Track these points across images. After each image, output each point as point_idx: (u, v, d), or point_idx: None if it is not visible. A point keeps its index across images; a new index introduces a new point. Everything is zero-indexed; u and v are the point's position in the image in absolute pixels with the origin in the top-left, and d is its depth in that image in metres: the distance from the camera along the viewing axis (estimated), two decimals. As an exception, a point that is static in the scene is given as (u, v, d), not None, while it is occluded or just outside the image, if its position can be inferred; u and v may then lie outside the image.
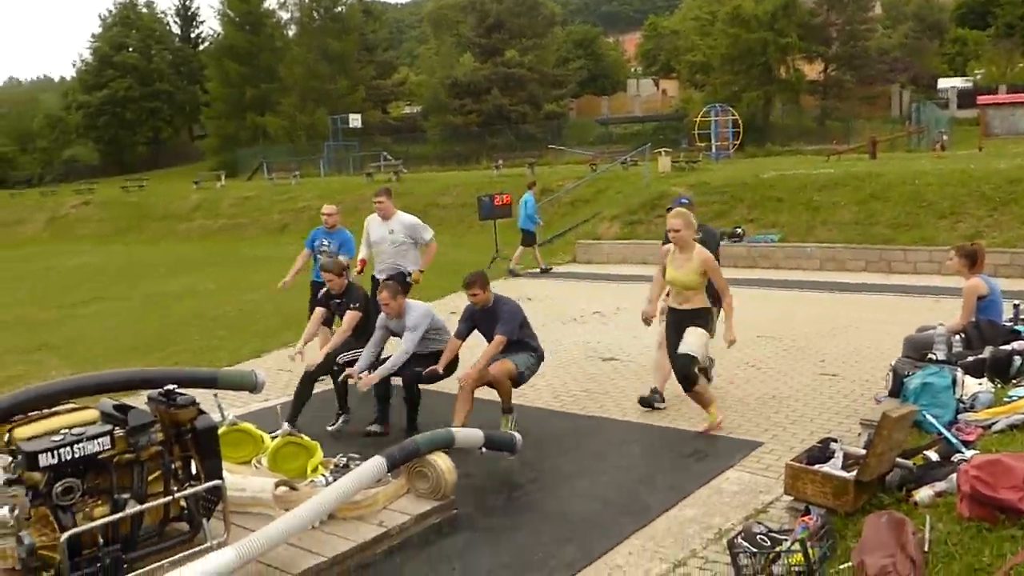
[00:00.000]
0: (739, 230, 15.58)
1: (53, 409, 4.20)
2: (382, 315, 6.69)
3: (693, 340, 5.85)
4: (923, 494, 4.11)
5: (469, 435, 5.51)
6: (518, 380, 6.27)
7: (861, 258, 13.94)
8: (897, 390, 5.49)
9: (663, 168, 23.62)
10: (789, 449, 5.40)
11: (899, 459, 4.42)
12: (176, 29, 67.90)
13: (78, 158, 65.11)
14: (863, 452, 4.31)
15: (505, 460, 5.78)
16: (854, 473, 4.24)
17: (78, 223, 35.27)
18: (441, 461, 5.01)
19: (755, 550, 4.06)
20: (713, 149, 29.86)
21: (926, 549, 3.52)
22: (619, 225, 18.13)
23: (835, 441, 4.72)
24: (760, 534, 4.19)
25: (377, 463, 4.77)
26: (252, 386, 5.55)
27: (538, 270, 15.59)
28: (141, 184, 40.64)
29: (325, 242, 8.43)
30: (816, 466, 4.43)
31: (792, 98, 44.50)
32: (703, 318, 5.99)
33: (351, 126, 46.40)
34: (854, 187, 16.11)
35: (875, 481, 4.29)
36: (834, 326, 9.64)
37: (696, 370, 5.90)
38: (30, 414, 4.11)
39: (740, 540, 4.15)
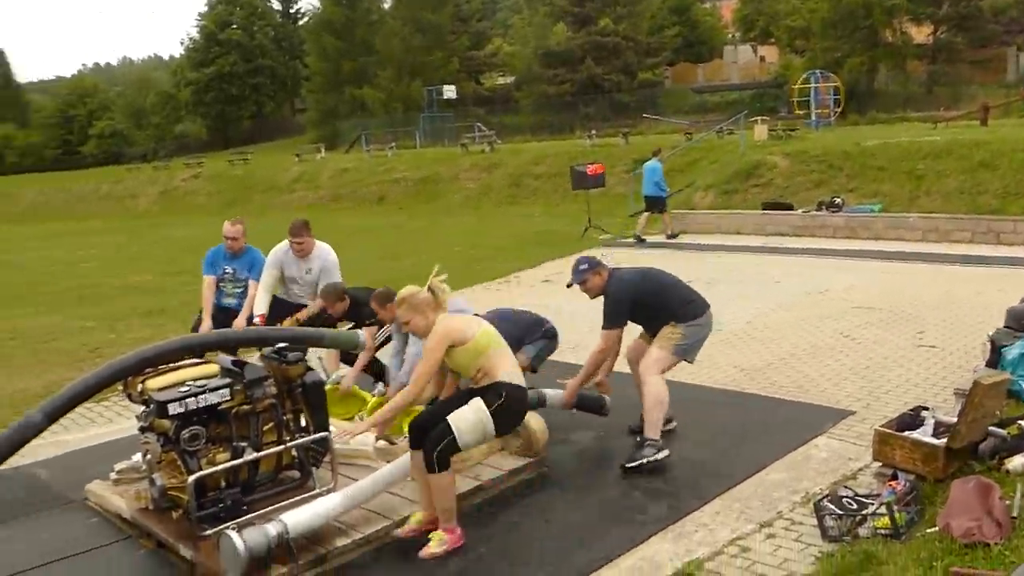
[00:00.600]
0: (838, 200, 15.23)
1: (179, 363, 4.57)
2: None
3: (468, 414, 4.33)
4: (1016, 462, 4.11)
5: (560, 396, 5.72)
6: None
7: (967, 229, 13.40)
8: (995, 360, 5.43)
9: (759, 137, 23.10)
10: (881, 418, 5.36)
11: (993, 428, 4.41)
12: (277, 5, 69.74)
13: (188, 133, 67.88)
14: (954, 420, 4.32)
15: (596, 421, 5.93)
16: (944, 440, 4.25)
17: (188, 196, 36.79)
18: (533, 421, 5.22)
19: (841, 512, 4.14)
20: (812, 117, 28.99)
21: (1014, 515, 3.54)
22: (714, 195, 17.93)
23: (927, 409, 4.72)
24: (847, 497, 4.26)
25: (473, 421, 5.03)
26: (355, 345, 5.87)
27: (632, 239, 15.59)
28: (246, 158, 42.03)
29: (228, 269, 7.14)
30: (906, 432, 4.45)
31: (898, 63, 42.47)
32: (493, 392, 4.39)
33: (445, 97, 46.82)
34: (961, 155, 15.47)
35: (966, 449, 4.30)
36: (935, 298, 9.40)
37: (449, 456, 4.30)
38: (160, 367, 4.49)
39: (826, 503, 4.23)
